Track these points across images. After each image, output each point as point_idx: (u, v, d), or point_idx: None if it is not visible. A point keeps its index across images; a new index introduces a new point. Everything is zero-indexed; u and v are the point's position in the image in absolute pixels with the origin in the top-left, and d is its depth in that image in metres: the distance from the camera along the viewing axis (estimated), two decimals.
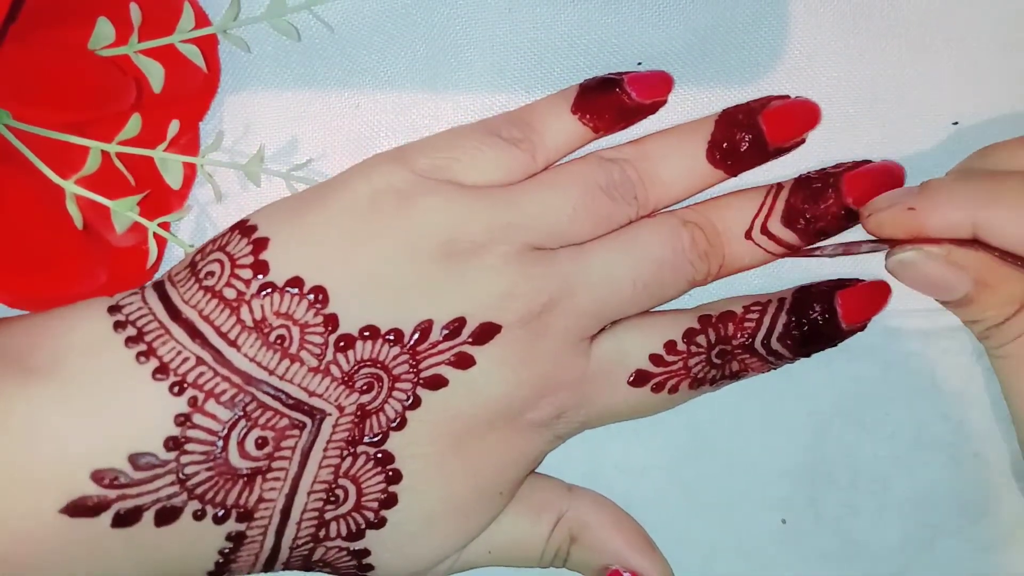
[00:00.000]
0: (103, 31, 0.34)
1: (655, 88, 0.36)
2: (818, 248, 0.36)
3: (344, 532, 0.33)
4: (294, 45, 0.38)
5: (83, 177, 0.35)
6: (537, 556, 0.36)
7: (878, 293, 0.36)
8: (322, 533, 0.33)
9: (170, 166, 0.36)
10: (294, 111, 0.38)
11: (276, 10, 0.36)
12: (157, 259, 0.36)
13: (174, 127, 0.36)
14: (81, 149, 0.35)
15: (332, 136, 0.38)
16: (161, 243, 0.37)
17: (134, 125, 0.35)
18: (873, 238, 0.34)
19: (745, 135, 0.35)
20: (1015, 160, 0.33)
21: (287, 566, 0.34)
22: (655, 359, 0.35)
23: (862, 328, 0.36)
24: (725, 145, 0.35)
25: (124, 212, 0.35)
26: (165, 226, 0.37)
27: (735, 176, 0.36)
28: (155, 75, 0.35)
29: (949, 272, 0.33)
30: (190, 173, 0.37)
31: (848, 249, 0.35)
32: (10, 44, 0.33)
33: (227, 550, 0.32)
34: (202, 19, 0.36)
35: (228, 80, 0.38)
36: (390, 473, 0.33)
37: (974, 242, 0.32)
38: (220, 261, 0.33)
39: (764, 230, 0.35)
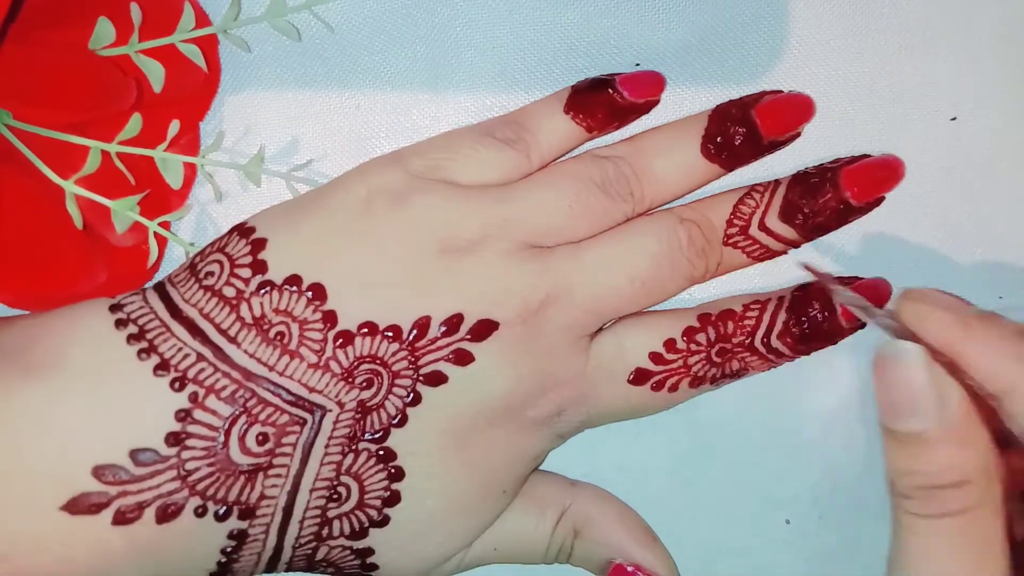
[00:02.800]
0: (103, 31, 0.34)
1: (647, 88, 0.36)
2: (835, 286, 0.34)
3: (347, 531, 0.33)
4: (294, 45, 0.38)
5: (83, 177, 0.35)
6: (542, 551, 0.36)
7: (877, 289, 0.36)
8: (325, 532, 0.33)
9: (170, 166, 0.36)
10: (294, 111, 0.38)
11: (276, 10, 0.36)
12: (157, 259, 0.37)
13: (174, 127, 0.36)
14: (81, 149, 0.35)
15: (332, 136, 0.38)
16: (161, 243, 0.37)
17: (134, 125, 0.35)
18: (890, 318, 0.31)
19: (739, 129, 0.35)
20: None
21: (290, 566, 0.33)
22: (655, 357, 0.35)
23: (863, 326, 0.36)
24: (719, 139, 0.36)
25: (124, 212, 0.35)
26: (165, 225, 0.37)
27: (731, 171, 0.36)
28: (155, 75, 0.35)
29: (931, 393, 0.27)
30: (190, 173, 0.37)
31: (865, 309, 0.32)
32: (10, 44, 0.33)
33: (229, 549, 0.32)
34: (202, 19, 0.36)
35: (228, 80, 0.38)
36: (392, 470, 0.33)
37: (988, 400, 0.28)
38: (219, 261, 0.33)
39: (762, 226, 0.35)
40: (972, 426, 0.27)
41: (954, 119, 0.38)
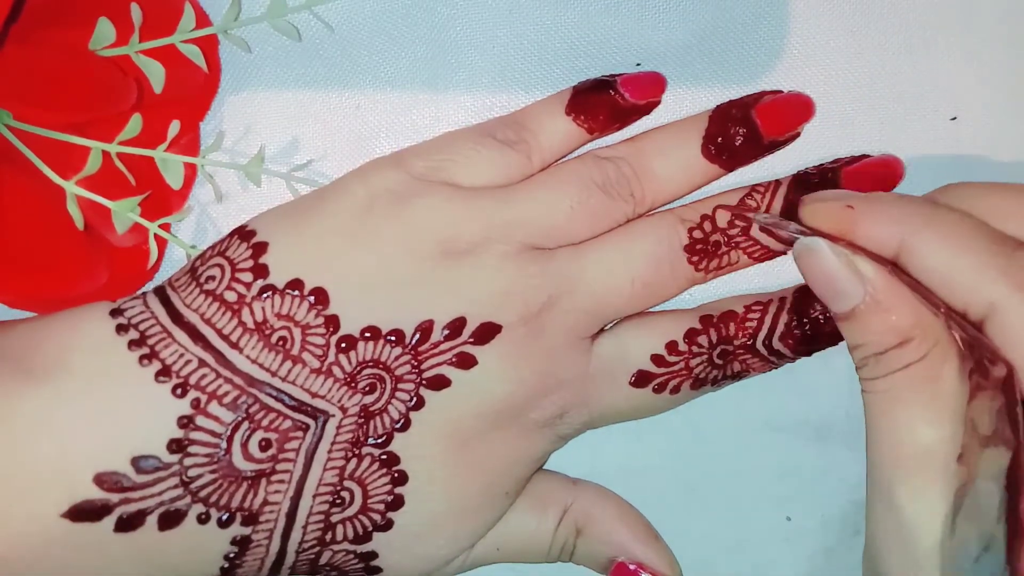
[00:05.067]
0: (104, 31, 0.34)
1: (648, 89, 0.36)
2: (753, 212, 0.35)
3: (351, 535, 0.33)
4: (294, 45, 0.38)
5: (84, 178, 0.35)
6: (544, 550, 0.36)
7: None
8: (328, 536, 0.33)
9: (171, 166, 0.36)
10: (294, 111, 0.38)
11: (277, 10, 0.36)
12: (158, 260, 0.36)
13: (174, 127, 0.36)
14: (82, 149, 0.35)
15: (333, 137, 0.38)
16: (162, 244, 0.37)
17: (134, 125, 0.35)
18: (799, 225, 0.33)
19: (739, 129, 0.35)
20: (968, 200, 0.32)
21: (294, 571, 0.33)
22: (657, 359, 0.35)
23: None
24: (720, 139, 0.35)
25: (125, 213, 0.35)
26: (166, 227, 0.36)
27: (731, 171, 0.36)
28: (156, 75, 0.35)
29: (847, 274, 0.30)
30: (191, 173, 0.37)
31: (777, 223, 0.34)
32: (11, 44, 0.33)
33: (232, 555, 0.32)
34: (203, 19, 0.36)
35: (229, 80, 0.38)
36: (396, 475, 0.33)
37: (892, 265, 0.30)
38: (220, 266, 0.33)
39: (763, 227, 0.35)
40: (895, 289, 0.29)
41: (954, 119, 0.38)
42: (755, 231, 0.35)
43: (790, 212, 0.35)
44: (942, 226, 0.30)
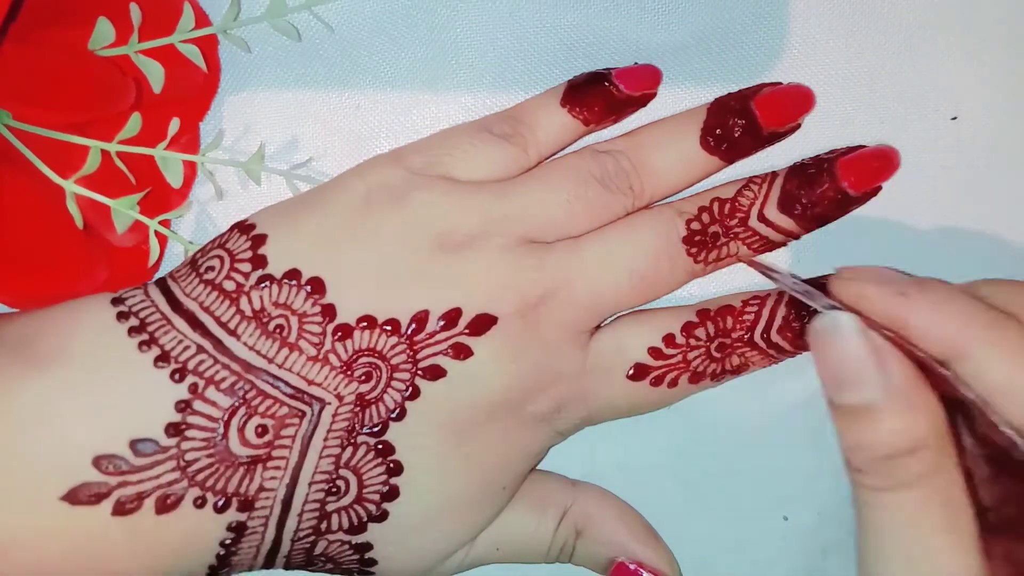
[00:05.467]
0: (103, 31, 0.34)
1: (643, 80, 0.36)
2: (779, 272, 0.34)
3: (346, 525, 0.33)
4: (294, 45, 0.38)
5: (83, 176, 0.35)
6: (544, 551, 0.36)
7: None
8: (324, 526, 0.33)
9: (171, 164, 0.36)
10: (294, 112, 0.38)
11: (276, 10, 0.36)
12: (158, 258, 0.37)
13: (174, 126, 0.36)
14: (81, 149, 0.35)
15: (332, 137, 0.38)
16: (162, 241, 0.37)
17: (134, 125, 0.35)
18: (832, 300, 0.31)
19: (738, 121, 0.35)
20: (1016, 301, 0.30)
21: (289, 560, 0.33)
22: (654, 352, 0.35)
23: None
24: (719, 131, 0.35)
25: (125, 211, 0.35)
26: (166, 224, 0.37)
27: (730, 163, 0.36)
28: (155, 75, 0.35)
29: (871, 364, 0.27)
30: (190, 172, 0.37)
31: (808, 292, 0.32)
32: (10, 44, 0.34)
33: (228, 541, 0.32)
34: (202, 19, 0.37)
35: (228, 80, 0.38)
36: (391, 464, 0.33)
37: (939, 366, 0.28)
38: (220, 257, 0.33)
39: (761, 217, 0.35)
40: (918, 390, 0.27)
41: (954, 118, 0.38)
42: (753, 222, 0.35)
43: (788, 203, 0.35)
44: (1006, 337, 0.28)
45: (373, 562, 0.34)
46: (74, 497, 0.30)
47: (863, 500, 0.28)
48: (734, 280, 0.38)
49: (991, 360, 0.28)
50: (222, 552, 0.32)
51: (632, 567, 0.36)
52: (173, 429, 0.31)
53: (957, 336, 0.28)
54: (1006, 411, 0.27)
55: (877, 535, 0.28)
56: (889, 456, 0.27)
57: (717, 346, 0.35)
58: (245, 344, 0.32)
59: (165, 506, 0.31)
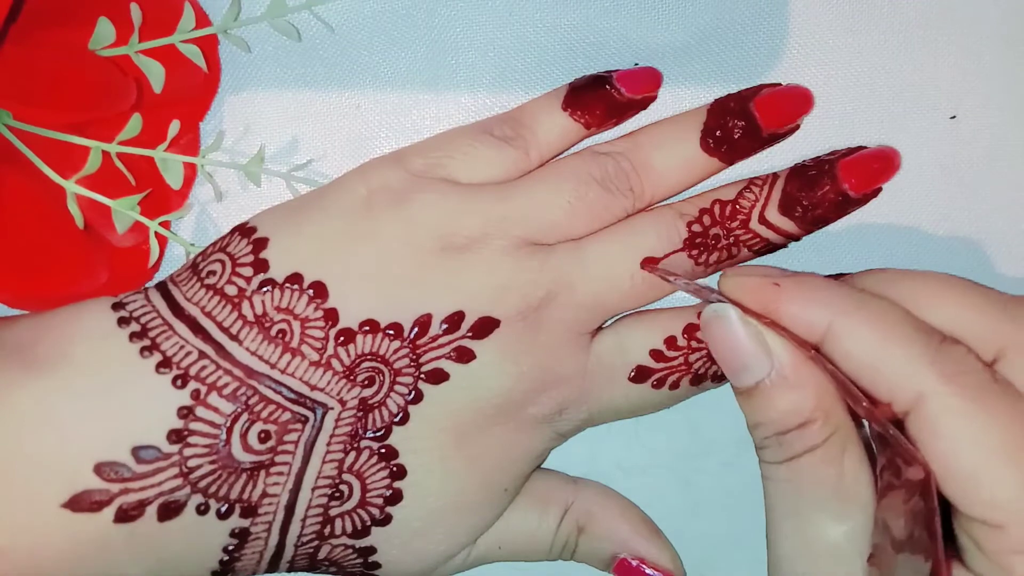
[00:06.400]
0: (103, 31, 0.34)
1: (644, 83, 0.36)
2: (674, 276, 0.34)
3: (349, 529, 0.33)
4: (294, 45, 0.38)
5: (84, 177, 0.35)
6: (546, 549, 0.36)
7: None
8: (327, 530, 0.33)
9: (170, 166, 0.36)
10: (294, 111, 0.38)
11: (276, 10, 0.36)
12: (158, 259, 0.37)
13: (174, 127, 0.36)
14: (82, 149, 0.35)
15: (333, 137, 0.38)
16: (162, 242, 0.37)
17: (134, 125, 0.35)
18: (719, 295, 0.32)
19: (738, 122, 0.35)
20: (891, 287, 0.31)
21: (292, 564, 0.33)
22: (655, 355, 0.35)
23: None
24: (718, 133, 0.35)
25: (125, 211, 0.35)
26: (166, 225, 0.37)
27: (730, 164, 0.36)
28: (155, 75, 0.35)
29: (753, 347, 0.30)
30: (190, 173, 0.37)
31: (699, 291, 0.33)
32: (10, 44, 0.33)
33: (231, 547, 0.32)
34: (202, 19, 0.36)
35: (228, 80, 0.38)
36: (394, 468, 0.33)
37: (813, 349, 0.30)
38: (221, 261, 0.33)
39: (762, 219, 0.35)
40: (802, 369, 0.30)
41: (954, 118, 0.38)
42: (754, 224, 0.35)
43: (789, 205, 0.35)
44: (870, 313, 0.29)
45: (377, 565, 0.34)
46: (76, 504, 0.30)
47: (764, 475, 0.31)
48: None
49: (854, 338, 0.29)
50: (225, 558, 0.32)
51: (635, 563, 0.36)
52: (175, 435, 0.31)
53: (822, 318, 0.30)
54: (873, 386, 0.29)
55: (775, 514, 0.30)
56: (780, 432, 0.30)
57: None
58: (247, 349, 0.32)
59: (167, 513, 0.31)
